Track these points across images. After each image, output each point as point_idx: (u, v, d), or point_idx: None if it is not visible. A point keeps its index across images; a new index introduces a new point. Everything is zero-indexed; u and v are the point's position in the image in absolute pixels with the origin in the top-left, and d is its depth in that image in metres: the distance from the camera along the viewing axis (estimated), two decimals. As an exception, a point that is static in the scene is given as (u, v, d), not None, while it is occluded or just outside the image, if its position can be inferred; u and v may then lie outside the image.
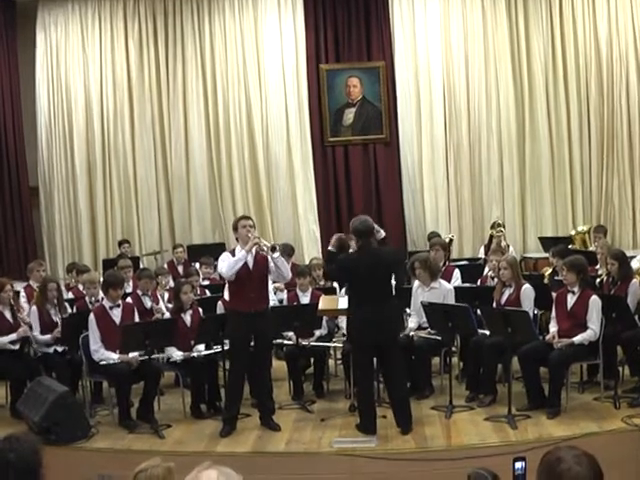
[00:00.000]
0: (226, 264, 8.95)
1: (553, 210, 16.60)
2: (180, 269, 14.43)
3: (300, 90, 16.75)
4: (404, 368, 9.06)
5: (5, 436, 4.25)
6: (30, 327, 10.13)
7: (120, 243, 15.68)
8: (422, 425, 8.96)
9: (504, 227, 14.64)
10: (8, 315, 10.11)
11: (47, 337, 10.19)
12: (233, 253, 9.06)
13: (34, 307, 10.43)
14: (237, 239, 9.23)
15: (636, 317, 9.72)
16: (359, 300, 8.75)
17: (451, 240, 13.84)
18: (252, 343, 9.15)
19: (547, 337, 9.34)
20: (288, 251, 12.99)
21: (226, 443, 8.79)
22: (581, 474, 3.17)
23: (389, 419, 8.97)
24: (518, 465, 3.70)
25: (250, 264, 9.00)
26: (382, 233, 9.23)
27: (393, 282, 9.40)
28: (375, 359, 9.01)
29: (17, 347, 10.05)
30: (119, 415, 9.44)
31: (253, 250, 8.97)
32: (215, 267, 11.45)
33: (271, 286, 11.37)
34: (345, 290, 10.65)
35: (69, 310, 10.74)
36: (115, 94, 17.03)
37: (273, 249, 8.96)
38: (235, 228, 9.23)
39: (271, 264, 9.05)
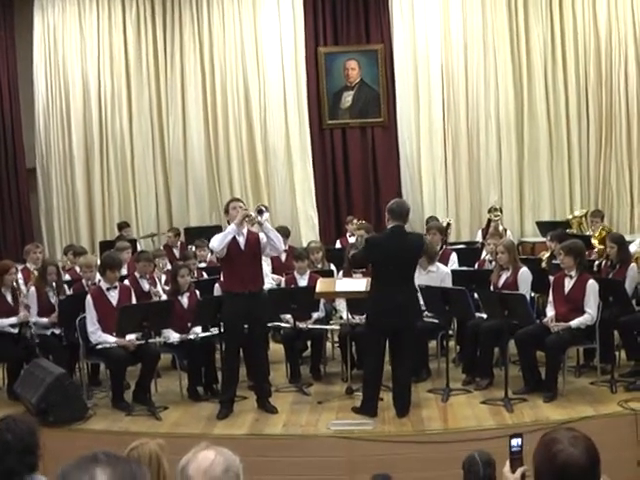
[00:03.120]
0: (217, 239, 8.97)
1: (551, 194, 16.61)
2: (176, 252, 14.43)
3: (298, 73, 16.72)
4: (414, 354, 9.08)
5: (2, 417, 4.26)
6: (28, 309, 10.13)
7: (120, 226, 15.65)
8: (419, 408, 8.99)
9: (501, 211, 14.66)
10: (9, 298, 10.10)
11: (45, 320, 10.18)
12: (227, 234, 9.07)
13: (32, 288, 10.41)
14: (228, 222, 9.25)
15: (634, 301, 9.73)
16: (382, 281, 8.72)
17: (449, 224, 13.82)
18: (246, 325, 9.16)
19: (544, 320, 9.36)
20: (284, 232, 13.01)
21: (223, 425, 8.80)
22: (574, 455, 3.17)
23: (386, 401, 8.99)
24: (514, 442, 3.71)
25: (242, 244, 9.01)
26: None
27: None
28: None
29: (16, 330, 10.05)
30: (113, 397, 9.46)
31: (245, 231, 9.01)
32: (210, 250, 11.45)
33: (266, 266, 11.40)
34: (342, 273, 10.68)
35: (67, 292, 10.73)
36: (113, 77, 17.01)
37: (260, 212, 8.93)
38: (226, 211, 9.34)
39: (263, 239, 9.05)
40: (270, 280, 11.95)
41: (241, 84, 16.85)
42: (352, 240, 13.60)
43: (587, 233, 13.09)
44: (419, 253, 9.23)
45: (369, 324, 9.13)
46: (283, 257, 12.71)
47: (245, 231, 9.03)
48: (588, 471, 3.20)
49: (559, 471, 3.18)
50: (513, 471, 3.64)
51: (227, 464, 3.14)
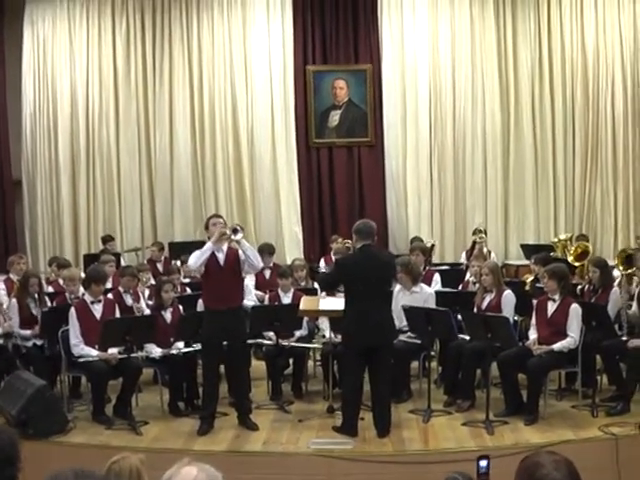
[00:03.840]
0: (193, 256, 8.97)
1: (535, 217, 16.66)
2: (160, 266, 14.42)
3: (286, 91, 16.74)
4: (391, 373, 9.08)
5: (-18, 428, 4.24)
6: (11, 320, 10.10)
7: (105, 240, 15.61)
8: (400, 428, 8.99)
9: (486, 233, 14.72)
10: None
11: (27, 332, 10.14)
12: (206, 251, 9.07)
13: (14, 300, 10.39)
14: (209, 238, 9.23)
15: (616, 326, 9.75)
16: (355, 301, 8.74)
17: (433, 245, 13.86)
18: (226, 342, 9.15)
19: (527, 343, 9.38)
20: (269, 250, 13.02)
21: (203, 441, 8.78)
22: (559, 480, 3.18)
23: (367, 421, 8.98)
24: (482, 463, 3.74)
25: (221, 260, 9.03)
26: None
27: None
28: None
29: (1, 341, 10.04)
30: (93, 410, 9.43)
31: (224, 248, 9.02)
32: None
33: (250, 282, 11.43)
34: (323, 292, 10.71)
35: (48, 302, 10.70)
36: (101, 89, 16.98)
37: (235, 231, 8.94)
38: (206, 227, 9.36)
39: (242, 257, 9.05)
40: (253, 297, 11.96)
41: (229, 100, 16.86)
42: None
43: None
44: (390, 271, 9.23)
45: (345, 343, 9.16)
46: (267, 274, 12.74)
47: (225, 247, 9.04)
48: (572, 495, 3.21)
49: (544, 496, 3.18)
50: None
51: (209, 481, 3.14)
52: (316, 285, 11.89)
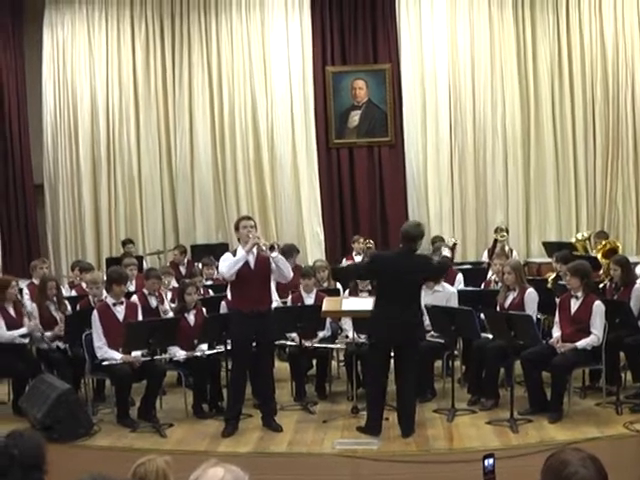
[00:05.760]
0: (226, 264, 8.96)
1: (557, 215, 16.61)
2: (182, 269, 14.47)
3: (306, 92, 16.76)
4: (417, 373, 9.06)
5: (9, 432, 4.27)
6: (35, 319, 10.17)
7: (124, 243, 15.73)
8: (424, 428, 8.98)
9: (507, 232, 14.69)
10: (12, 312, 10.13)
11: (48, 334, 10.19)
12: (235, 254, 9.05)
13: (34, 305, 10.47)
14: (239, 239, 9.26)
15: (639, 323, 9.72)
16: (385, 298, 8.75)
17: (455, 244, 13.82)
18: (254, 343, 9.16)
19: (550, 341, 9.35)
20: (292, 252, 13.01)
21: (228, 443, 8.79)
22: (587, 477, 3.15)
23: (391, 421, 8.98)
24: (487, 462, 3.75)
25: (252, 264, 9.01)
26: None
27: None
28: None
29: (27, 340, 10.10)
30: (117, 414, 9.46)
31: (254, 250, 9.00)
32: (217, 267, 11.44)
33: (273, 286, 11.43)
34: (346, 291, 10.70)
35: (69, 308, 10.75)
36: (121, 94, 17.07)
37: (272, 248, 8.96)
38: (237, 228, 9.27)
39: (273, 264, 9.06)
40: (276, 297, 11.98)
41: (249, 103, 16.90)
42: (358, 259, 13.65)
43: (592, 254, 13.08)
44: (422, 274, 9.09)
45: (370, 341, 9.18)
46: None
47: (255, 250, 9.03)
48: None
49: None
50: None
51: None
52: (338, 285, 11.90)
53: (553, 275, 11.33)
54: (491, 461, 3.77)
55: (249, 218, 9.49)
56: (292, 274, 9.62)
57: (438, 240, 13.84)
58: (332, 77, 16.82)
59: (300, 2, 16.72)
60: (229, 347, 9.46)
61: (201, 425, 9.47)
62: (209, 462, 3.24)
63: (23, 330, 10.00)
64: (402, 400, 8.91)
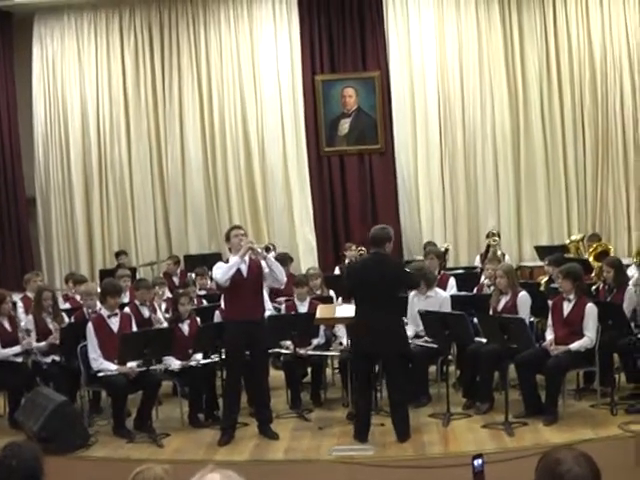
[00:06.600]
0: (220, 271, 8.99)
1: (548, 218, 16.65)
2: (175, 280, 14.48)
3: (296, 101, 16.82)
4: (404, 377, 9.05)
5: (6, 444, 4.28)
6: (29, 334, 10.14)
7: (117, 254, 15.75)
8: (420, 432, 8.99)
9: (499, 236, 14.74)
10: (7, 326, 10.13)
11: (42, 344, 10.17)
12: (227, 262, 9.09)
13: (30, 316, 10.45)
14: (229, 249, 9.31)
15: (632, 324, 9.75)
16: (360, 307, 8.80)
17: (447, 249, 13.87)
18: (248, 352, 9.18)
19: (544, 344, 9.38)
20: (286, 260, 13.02)
21: (224, 452, 8.79)
22: (581, 474, 3.18)
23: (387, 426, 8.99)
24: (477, 462, 3.79)
25: (244, 272, 9.03)
26: None
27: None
28: (378, 367, 9.09)
29: (21, 359, 10.10)
30: (114, 425, 9.45)
31: (247, 258, 9.03)
32: (210, 277, 11.45)
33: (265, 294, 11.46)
34: (340, 299, 10.74)
35: (65, 318, 10.74)
36: (111, 105, 17.12)
37: (267, 249, 9.03)
38: (227, 238, 9.31)
39: (265, 270, 9.08)
40: (269, 306, 11.99)
41: (239, 112, 16.95)
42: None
43: (584, 257, 13.12)
44: (398, 279, 9.08)
45: (351, 348, 9.28)
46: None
47: (247, 259, 9.05)
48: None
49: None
50: None
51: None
52: (332, 293, 11.93)
53: (545, 278, 11.37)
54: (480, 461, 3.81)
55: (239, 227, 9.55)
56: (285, 278, 9.67)
57: (430, 245, 13.88)
58: (322, 85, 16.87)
59: (289, 11, 16.79)
60: (223, 356, 9.48)
61: (197, 434, 9.46)
62: (206, 468, 3.26)
63: (17, 349, 10.00)
64: (391, 406, 8.98)
